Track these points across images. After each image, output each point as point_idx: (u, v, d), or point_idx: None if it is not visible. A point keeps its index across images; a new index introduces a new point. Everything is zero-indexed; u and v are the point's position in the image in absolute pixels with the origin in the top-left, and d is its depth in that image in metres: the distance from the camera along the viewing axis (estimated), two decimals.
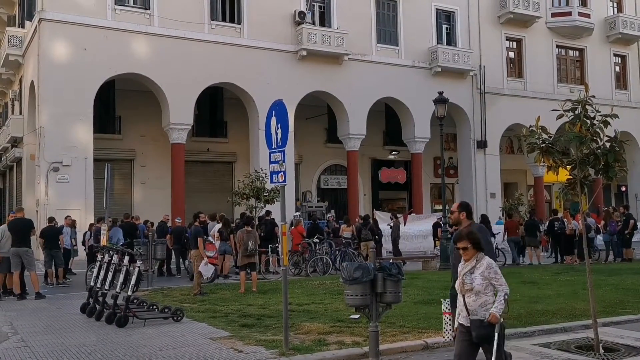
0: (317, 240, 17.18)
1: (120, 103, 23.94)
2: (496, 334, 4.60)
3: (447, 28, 27.48)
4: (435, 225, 19.61)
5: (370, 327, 6.45)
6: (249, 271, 12.77)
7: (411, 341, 7.46)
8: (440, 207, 23.56)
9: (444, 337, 7.44)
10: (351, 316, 8.67)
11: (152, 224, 17.90)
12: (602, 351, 6.91)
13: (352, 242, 17.71)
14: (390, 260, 7.31)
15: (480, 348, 4.80)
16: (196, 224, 13.66)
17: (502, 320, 4.70)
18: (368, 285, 6.30)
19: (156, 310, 9.26)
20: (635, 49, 32.69)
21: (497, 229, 21.65)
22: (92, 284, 9.88)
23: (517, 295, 11.06)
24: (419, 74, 25.98)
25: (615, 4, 32.85)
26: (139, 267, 8.90)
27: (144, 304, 9.55)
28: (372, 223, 19.31)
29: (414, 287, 12.09)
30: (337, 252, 16.75)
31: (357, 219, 20.18)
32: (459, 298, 4.84)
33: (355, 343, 7.32)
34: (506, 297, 4.70)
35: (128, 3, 20.82)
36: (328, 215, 23.83)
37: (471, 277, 4.77)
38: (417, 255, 19.67)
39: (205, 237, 14.08)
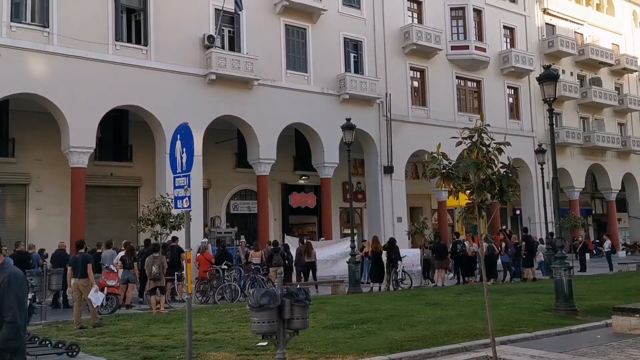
0: (226, 267, 16.85)
1: (14, 125, 22.51)
2: None
3: (354, 57, 28.28)
4: None
5: (277, 355, 6.35)
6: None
7: None
8: (349, 231, 23.90)
9: None
10: (258, 343, 8.56)
11: (47, 254, 16.82)
12: None
13: (261, 267, 17.54)
14: (298, 286, 7.28)
15: None
16: (81, 251, 12.85)
17: None
18: (275, 312, 6.22)
19: (49, 345, 8.64)
20: (526, 82, 35.12)
21: (406, 252, 22.31)
22: None
23: (422, 317, 11.37)
24: (328, 100, 26.47)
25: (508, 40, 35.25)
26: (29, 299, 8.29)
27: (36, 339, 8.90)
28: (282, 248, 19.27)
29: (322, 312, 12.09)
30: (246, 278, 16.51)
31: (267, 245, 20.03)
32: None
33: None
34: None
35: (25, 20, 19.74)
36: (240, 241, 23.56)
37: None
38: (327, 280, 19.78)
39: (105, 265, 13.43)
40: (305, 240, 20.81)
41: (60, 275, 14.67)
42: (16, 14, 19.42)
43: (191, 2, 23.05)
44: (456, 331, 9.70)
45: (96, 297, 11.67)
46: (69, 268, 12.18)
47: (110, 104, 20.92)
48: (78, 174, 20.27)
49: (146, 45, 21.96)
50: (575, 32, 39.98)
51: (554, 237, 23.96)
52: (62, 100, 19.81)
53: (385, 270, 18.98)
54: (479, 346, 8.66)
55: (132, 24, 22.29)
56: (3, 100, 19.65)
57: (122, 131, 25.37)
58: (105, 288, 13.50)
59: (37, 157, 22.56)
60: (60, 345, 8.52)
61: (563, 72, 37.21)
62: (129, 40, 21.94)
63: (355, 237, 20.16)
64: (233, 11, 23.14)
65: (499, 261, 21.46)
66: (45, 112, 20.65)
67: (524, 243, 21.48)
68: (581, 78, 39.92)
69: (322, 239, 25.29)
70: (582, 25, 40.62)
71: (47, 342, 8.81)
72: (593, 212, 42.88)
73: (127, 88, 21.07)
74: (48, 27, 19.89)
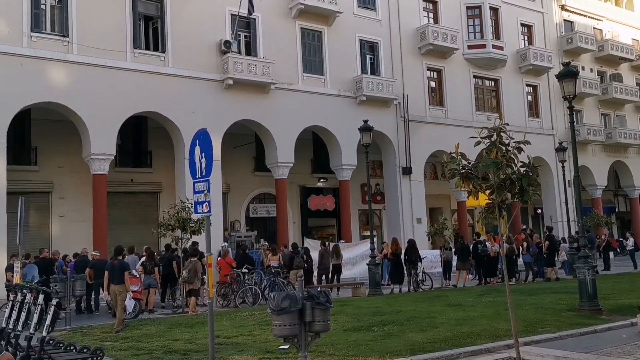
0: (246, 271, 16.92)
1: (36, 133, 22.87)
2: None
3: (370, 58, 28.23)
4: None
5: (299, 358, 6.37)
6: None
7: None
8: (368, 232, 23.85)
9: None
10: (280, 347, 8.58)
11: (70, 260, 17.06)
12: None
13: (281, 271, 17.57)
14: (319, 288, 7.29)
15: None
16: (119, 257, 13.12)
17: None
18: (296, 315, 6.23)
19: (74, 350, 8.76)
20: (545, 79, 34.73)
21: (426, 253, 22.22)
22: (4, 325, 9.25)
23: (444, 318, 11.30)
24: (345, 102, 26.46)
25: (526, 37, 34.91)
26: (54, 305, 8.41)
27: (61, 345, 9.02)
28: (302, 251, 19.28)
29: (343, 315, 12.08)
30: (265, 282, 16.58)
31: (282, 247, 19.99)
32: None
33: None
34: None
35: (45, 30, 20.06)
36: (262, 244, 23.62)
37: None
38: (347, 282, 19.76)
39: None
40: (328, 243, 20.84)
41: (83, 281, 14.85)
42: (36, 24, 19.75)
43: (207, 8, 23.23)
44: (479, 332, 9.62)
45: (130, 304, 11.91)
46: (106, 273, 12.42)
47: (130, 110, 21.16)
48: (99, 180, 20.54)
49: (164, 52, 22.17)
50: (594, 28, 39.44)
51: (583, 234, 23.75)
52: (82, 108, 20.09)
53: (405, 271, 18.90)
54: (502, 347, 8.58)
55: (150, 32, 22.55)
56: (25, 109, 19.99)
57: (141, 137, 25.61)
58: (130, 293, 13.64)
59: (59, 164, 22.89)
60: (85, 350, 8.62)
61: (583, 68, 36.75)
62: (147, 48, 22.18)
63: (375, 239, 20.10)
64: (248, 15, 23.24)
65: (520, 261, 21.27)
66: (66, 121, 20.96)
67: (546, 242, 21.23)
68: (601, 74, 39.36)
69: (341, 241, 25.25)
70: (601, 20, 40.07)
71: (72, 347, 8.92)
72: (616, 209, 42.22)
73: (146, 95, 21.29)
74: (68, 37, 20.19)
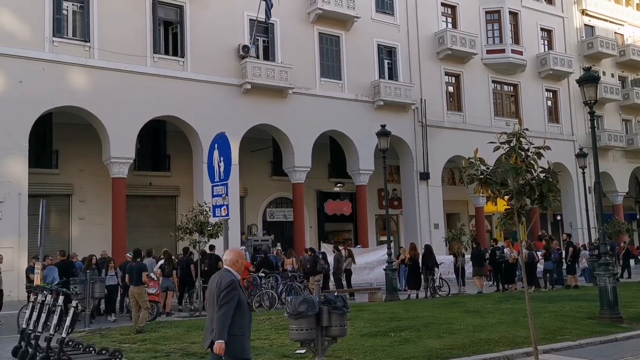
0: (263, 275, 16.95)
1: (57, 137, 23.18)
2: None
3: (388, 63, 28.19)
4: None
5: None
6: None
7: None
8: (385, 238, 23.76)
9: None
10: (297, 351, 8.58)
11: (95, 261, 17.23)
12: None
13: (297, 275, 17.55)
14: (335, 293, 7.28)
15: None
16: (138, 259, 13.25)
17: None
18: (313, 319, 6.23)
19: (93, 352, 8.85)
20: (565, 84, 34.40)
21: (443, 258, 22.06)
22: (24, 326, 9.38)
23: (461, 325, 11.21)
24: (362, 107, 26.44)
25: (546, 42, 34.62)
26: (74, 307, 8.50)
27: (80, 346, 9.11)
28: (320, 256, 19.26)
29: (360, 320, 12.03)
30: (282, 286, 16.59)
31: (304, 252, 19.99)
32: None
33: None
34: None
35: (67, 35, 20.37)
36: (275, 249, 23.63)
37: None
38: (364, 287, 19.69)
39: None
40: (341, 248, 20.76)
41: (102, 284, 14.97)
42: (58, 30, 20.05)
43: (226, 13, 23.41)
44: (497, 339, 9.52)
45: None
46: (126, 276, 12.61)
47: (149, 114, 21.37)
48: (118, 184, 20.75)
49: (183, 57, 22.37)
50: (615, 32, 39.00)
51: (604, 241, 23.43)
52: (102, 112, 20.33)
53: (422, 277, 18.79)
54: (521, 355, 8.49)
55: (170, 37, 22.77)
56: (46, 113, 20.28)
57: (160, 141, 25.85)
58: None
59: (80, 168, 23.18)
60: (103, 352, 8.70)
61: (604, 73, 36.31)
62: (167, 52, 22.39)
63: (392, 244, 20.02)
64: (265, 21, 23.35)
65: (540, 268, 21.00)
66: (87, 124, 21.23)
67: (571, 249, 20.96)
68: (622, 79, 38.88)
69: (358, 246, 25.21)
70: (623, 25, 39.60)
71: (91, 348, 9.02)
72: (637, 216, 41.60)
73: (165, 99, 21.49)
74: (89, 42, 20.47)
